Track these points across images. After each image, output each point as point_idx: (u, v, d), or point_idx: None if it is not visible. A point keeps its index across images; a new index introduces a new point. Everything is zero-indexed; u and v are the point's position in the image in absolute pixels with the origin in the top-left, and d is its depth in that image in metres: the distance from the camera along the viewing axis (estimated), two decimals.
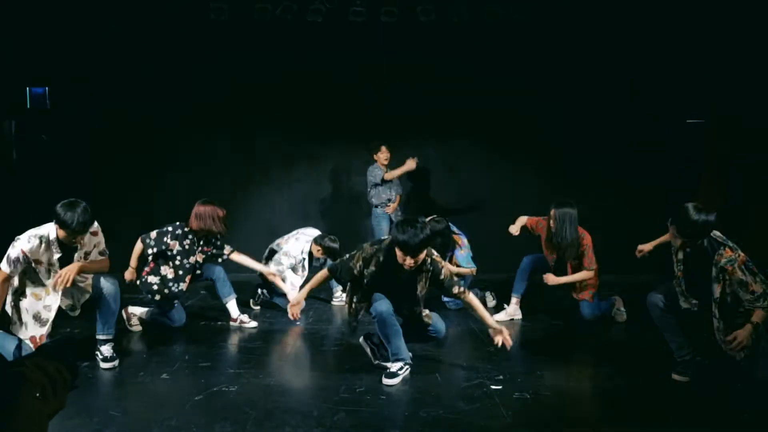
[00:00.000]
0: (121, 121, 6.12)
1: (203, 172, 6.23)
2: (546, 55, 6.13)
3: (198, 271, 4.33)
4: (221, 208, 4.23)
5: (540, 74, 6.18)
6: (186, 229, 4.19)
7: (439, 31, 5.98)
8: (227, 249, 4.44)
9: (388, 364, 3.37)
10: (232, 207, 6.16)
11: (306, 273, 4.88)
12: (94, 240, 3.50)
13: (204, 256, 4.34)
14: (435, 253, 3.30)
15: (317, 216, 6.51)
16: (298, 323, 4.44)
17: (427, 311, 3.47)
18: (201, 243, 4.28)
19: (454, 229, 4.99)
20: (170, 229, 4.19)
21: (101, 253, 3.55)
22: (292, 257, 4.79)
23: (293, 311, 3.46)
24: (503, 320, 4.56)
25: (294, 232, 5.02)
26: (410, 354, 3.42)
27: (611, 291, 4.83)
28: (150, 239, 4.16)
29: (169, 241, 4.15)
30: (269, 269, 4.57)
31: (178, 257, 4.19)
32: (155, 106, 6.11)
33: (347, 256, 3.38)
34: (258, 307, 4.97)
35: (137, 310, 4.34)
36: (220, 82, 6.22)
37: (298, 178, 6.60)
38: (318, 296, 5.22)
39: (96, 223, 3.47)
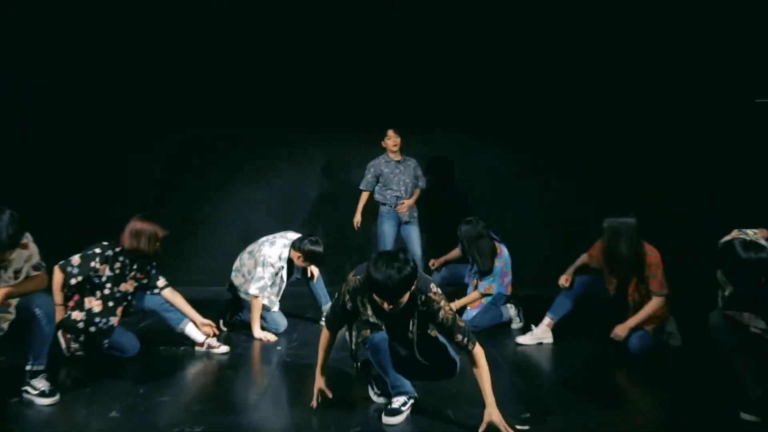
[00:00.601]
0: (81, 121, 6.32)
1: (158, 163, 6.32)
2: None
3: (128, 303, 4.04)
4: (163, 227, 3.96)
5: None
6: (117, 250, 3.92)
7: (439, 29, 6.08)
8: (161, 281, 4.16)
9: (390, 399, 3.17)
10: (195, 207, 6.47)
11: (283, 286, 4.63)
12: (25, 254, 3.21)
13: (135, 284, 4.05)
14: (434, 289, 3.03)
15: (303, 219, 6.47)
16: (278, 348, 4.32)
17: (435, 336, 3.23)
18: (134, 268, 4.00)
19: (492, 234, 4.86)
20: (97, 250, 3.87)
21: (35, 268, 3.27)
22: (269, 265, 4.41)
23: (317, 402, 3.23)
24: (528, 344, 4.35)
25: (269, 237, 4.74)
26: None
27: None
28: (72, 266, 3.82)
29: (97, 265, 3.86)
30: (204, 320, 4.20)
31: (108, 284, 3.91)
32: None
33: (336, 295, 3.19)
34: (227, 329, 4.78)
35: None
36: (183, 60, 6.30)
37: (279, 173, 6.51)
38: (303, 315, 5.16)
39: (27, 234, 3.20)
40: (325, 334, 3.25)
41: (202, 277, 6.02)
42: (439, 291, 3.02)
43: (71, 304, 3.90)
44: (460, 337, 2.99)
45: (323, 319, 4.89)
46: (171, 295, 4.15)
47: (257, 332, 4.47)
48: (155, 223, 3.94)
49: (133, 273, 3.99)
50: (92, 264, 3.84)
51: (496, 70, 6.28)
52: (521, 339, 4.35)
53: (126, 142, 6.29)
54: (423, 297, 2.98)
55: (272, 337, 4.47)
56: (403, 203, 5.51)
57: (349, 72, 6.23)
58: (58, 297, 3.86)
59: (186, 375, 3.82)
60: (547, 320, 4.37)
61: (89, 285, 3.87)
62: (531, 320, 4.64)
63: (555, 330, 4.40)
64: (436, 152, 6.36)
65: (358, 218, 5.69)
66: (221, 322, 4.76)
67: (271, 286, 4.52)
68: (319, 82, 6.22)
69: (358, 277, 3.03)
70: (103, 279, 3.89)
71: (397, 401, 3.11)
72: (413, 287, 2.87)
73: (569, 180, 6.38)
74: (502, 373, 3.83)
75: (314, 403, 3.21)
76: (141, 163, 6.37)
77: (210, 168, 6.45)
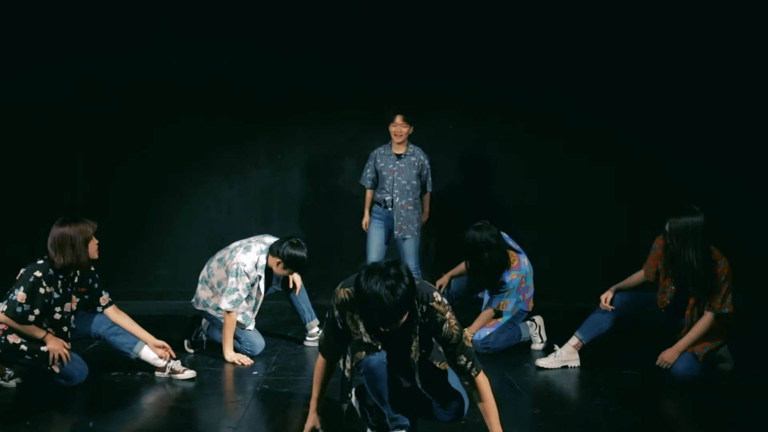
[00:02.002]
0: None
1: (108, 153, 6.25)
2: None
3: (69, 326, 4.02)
4: (89, 224, 3.91)
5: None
6: (56, 267, 3.88)
7: None
8: (104, 297, 4.13)
9: None
10: (151, 206, 6.39)
11: (260, 300, 4.65)
12: None
13: (78, 300, 4.04)
14: (438, 298, 3.00)
15: (284, 220, 6.46)
16: (255, 373, 4.32)
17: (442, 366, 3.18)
18: (75, 282, 3.99)
19: (509, 241, 4.83)
20: (38, 273, 3.81)
21: None
22: (243, 275, 4.45)
23: None
24: (551, 367, 4.36)
25: (242, 241, 4.74)
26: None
27: None
28: (19, 305, 3.76)
29: (45, 289, 3.83)
30: (157, 341, 4.17)
31: (57, 308, 3.92)
32: None
33: (327, 314, 3.17)
34: (193, 350, 4.77)
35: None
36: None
37: (256, 164, 6.48)
38: (285, 334, 5.18)
39: None
40: (320, 363, 3.20)
41: (161, 289, 6.04)
42: (445, 301, 2.99)
43: (5, 326, 3.82)
44: (464, 359, 2.96)
45: (307, 338, 4.94)
46: (115, 314, 4.11)
47: (229, 354, 4.47)
48: (78, 224, 3.86)
49: (74, 288, 3.97)
50: (41, 291, 3.79)
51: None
52: (543, 362, 4.35)
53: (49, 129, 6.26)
54: (424, 307, 2.94)
55: (247, 360, 4.47)
56: (405, 205, 5.33)
57: (337, 58, 6.25)
58: (39, 333, 3.82)
59: (143, 406, 3.81)
60: (574, 340, 4.37)
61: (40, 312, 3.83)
62: (554, 340, 4.65)
63: (582, 351, 4.39)
64: (441, 146, 6.30)
65: (366, 219, 5.62)
66: (186, 343, 4.75)
67: (246, 299, 4.51)
68: (300, 65, 6.25)
69: (347, 289, 3.00)
70: (52, 302, 3.87)
71: None
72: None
73: (597, 180, 6.40)
74: (519, 402, 3.85)
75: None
76: (68, 155, 6.32)
77: (169, 160, 6.43)
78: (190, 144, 6.39)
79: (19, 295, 3.74)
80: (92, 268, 4.06)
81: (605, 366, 4.42)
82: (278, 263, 4.50)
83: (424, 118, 5.86)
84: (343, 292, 3.01)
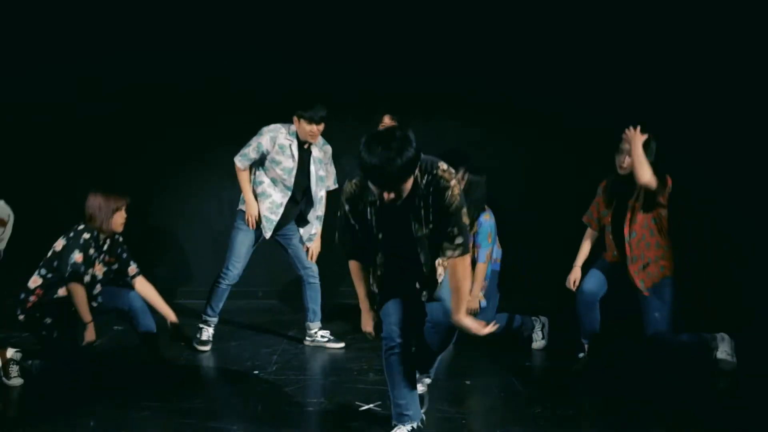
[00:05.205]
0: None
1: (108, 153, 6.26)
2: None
3: (96, 293, 4.14)
4: (122, 197, 4.12)
5: None
6: (92, 232, 4.09)
7: None
8: (132, 268, 4.27)
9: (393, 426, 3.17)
10: (153, 205, 6.35)
11: (294, 169, 4.74)
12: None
13: (104, 270, 4.13)
14: (444, 166, 2.94)
15: None
16: (256, 372, 4.32)
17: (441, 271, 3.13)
18: (104, 250, 4.12)
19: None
20: (86, 236, 4.04)
21: None
22: (264, 133, 4.68)
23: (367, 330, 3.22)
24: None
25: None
26: (423, 410, 3.27)
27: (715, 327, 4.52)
28: (78, 265, 3.95)
29: (90, 251, 4.03)
30: (174, 319, 4.31)
31: (90, 269, 4.07)
32: None
33: (338, 213, 3.15)
34: (206, 347, 4.78)
35: (19, 355, 4.05)
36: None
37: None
38: (286, 334, 5.16)
39: (8, 208, 3.33)
40: (352, 266, 3.17)
41: (162, 288, 5.85)
42: (451, 169, 2.94)
43: (34, 298, 3.99)
44: (455, 231, 2.91)
45: (306, 338, 4.95)
46: (141, 285, 4.22)
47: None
48: (110, 195, 4.07)
49: (103, 255, 4.08)
50: (91, 252, 3.99)
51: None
52: None
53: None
54: (428, 177, 2.90)
55: None
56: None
57: (338, 58, 6.26)
58: (87, 314, 3.96)
59: (143, 405, 3.73)
60: (587, 347, 4.50)
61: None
62: (554, 340, 4.71)
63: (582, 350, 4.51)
64: (443, 146, 6.30)
65: None
66: (199, 335, 4.77)
67: (276, 165, 4.68)
68: (301, 65, 6.26)
69: (354, 180, 3.02)
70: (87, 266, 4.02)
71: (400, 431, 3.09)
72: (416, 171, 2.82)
73: (597, 180, 6.38)
74: (520, 401, 3.82)
75: (372, 332, 3.19)
76: (68, 155, 6.32)
77: (169, 160, 6.42)
78: (190, 144, 6.37)
79: (77, 256, 3.92)
80: (120, 239, 4.19)
81: (605, 365, 4.45)
82: (298, 120, 4.64)
83: (424, 118, 5.89)
84: (350, 185, 3.02)
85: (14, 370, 4.01)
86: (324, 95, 6.16)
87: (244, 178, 4.69)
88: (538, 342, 4.85)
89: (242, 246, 4.74)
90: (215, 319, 4.83)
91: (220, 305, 4.82)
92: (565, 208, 5.96)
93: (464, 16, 6.26)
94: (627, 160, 4.24)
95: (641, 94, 6.23)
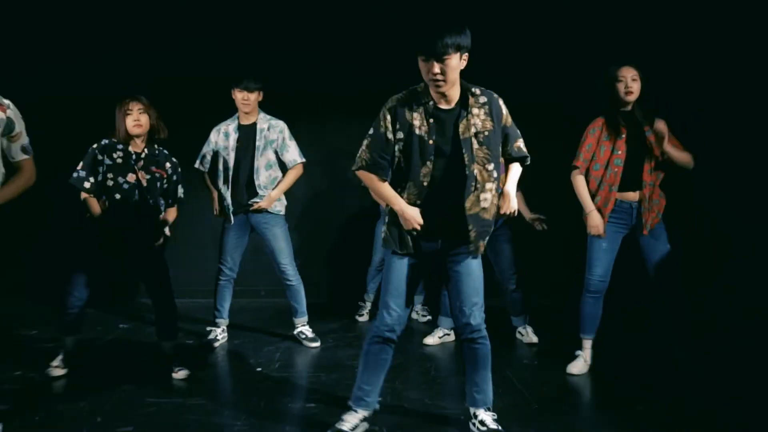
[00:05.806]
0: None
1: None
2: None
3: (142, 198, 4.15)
4: (128, 99, 4.20)
5: None
6: (113, 139, 4.15)
7: None
8: (180, 191, 4.36)
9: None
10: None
11: (232, 157, 4.94)
12: (11, 124, 3.14)
13: (148, 178, 4.13)
14: (498, 96, 3.19)
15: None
16: (259, 369, 4.36)
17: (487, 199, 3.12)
18: (142, 157, 4.13)
19: None
20: (94, 146, 4.14)
21: (24, 150, 3.24)
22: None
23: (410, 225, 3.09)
24: (582, 373, 4.28)
25: None
26: (378, 401, 3.30)
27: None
28: (77, 171, 4.08)
29: (98, 156, 4.08)
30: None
31: (110, 175, 4.07)
32: None
33: (370, 131, 3.25)
34: (222, 339, 4.88)
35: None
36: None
37: None
38: (288, 332, 5.14)
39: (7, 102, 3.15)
40: (381, 185, 3.15)
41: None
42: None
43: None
44: (520, 141, 3.30)
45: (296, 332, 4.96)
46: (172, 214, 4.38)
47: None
48: (120, 103, 4.18)
49: (141, 163, 4.11)
50: (98, 158, 4.05)
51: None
52: (573, 368, 4.26)
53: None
54: (479, 90, 3.15)
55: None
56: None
57: (338, 58, 6.30)
58: (96, 207, 4.08)
59: (150, 402, 3.77)
60: (588, 343, 4.30)
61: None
62: (550, 337, 4.72)
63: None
64: None
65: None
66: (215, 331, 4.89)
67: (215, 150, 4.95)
68: (301, 64, 6.29)
69: (398, 95, 3.16)
70: (105, 169, 4.05)
71: (347, 422, 3.19)
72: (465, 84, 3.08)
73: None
74: (519, 398, 3.82)
75: (417, 226, 3.05)
76: (67, 155, 6.27)
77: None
78: (191, 144, 6.39)
79: (79, 165, 4.08)
80: (165, 151, 4.28)
81: (605, 363, 4.41)
82: (233, 94, 4.91)
83: None
84: (393, 98, 3.19)
85: (57, 360, 4.15)
86: (324, 95, 6.30)
87: (206, 177, 4.94)
88: (529, 338, 4.90)
89: (227, 237, 4.89)
90: (223, 320, 4.90)
91: (225, 305, 4.88)
92: (565, 208, 6.00)
93: (464, 15, 6.21)
94: (635, 86, 4.25)
95: (641, 94, 6.28)
